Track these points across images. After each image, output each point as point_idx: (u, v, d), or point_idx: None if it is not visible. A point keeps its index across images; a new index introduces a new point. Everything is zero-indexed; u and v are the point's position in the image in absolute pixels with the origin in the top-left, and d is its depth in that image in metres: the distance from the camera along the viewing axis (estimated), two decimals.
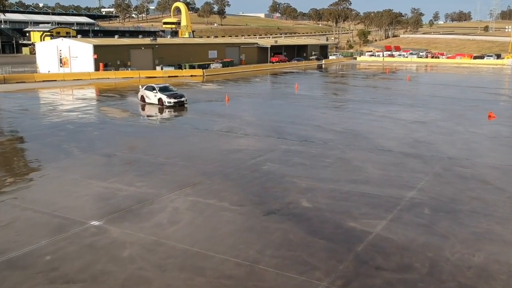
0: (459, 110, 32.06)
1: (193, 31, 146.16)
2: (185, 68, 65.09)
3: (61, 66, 63.94)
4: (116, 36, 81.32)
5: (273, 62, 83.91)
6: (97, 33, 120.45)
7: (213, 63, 70.97)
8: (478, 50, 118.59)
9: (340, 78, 64.00)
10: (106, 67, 61.44)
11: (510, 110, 33.35)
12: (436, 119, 28.15)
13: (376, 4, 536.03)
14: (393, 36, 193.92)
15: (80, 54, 62.01)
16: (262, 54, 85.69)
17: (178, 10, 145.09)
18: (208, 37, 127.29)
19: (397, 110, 31.85)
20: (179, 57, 70.31)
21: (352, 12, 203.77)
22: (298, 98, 38.51)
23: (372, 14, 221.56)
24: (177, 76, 59.87)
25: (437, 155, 19.23)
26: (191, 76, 61.05)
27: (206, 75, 61.74)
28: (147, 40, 72.21)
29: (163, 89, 33.52)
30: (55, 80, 52.06)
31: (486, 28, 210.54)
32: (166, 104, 32.12)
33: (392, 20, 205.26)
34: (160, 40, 73.58)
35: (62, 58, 63.89)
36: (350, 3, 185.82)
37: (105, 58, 61.88)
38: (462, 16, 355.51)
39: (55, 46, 64.35)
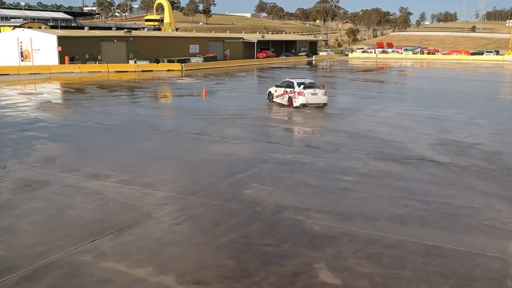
0: (491, 106, 25.86)
1: (176, 29, 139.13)
2: (164, 63, 58.37)
3: (22, 60, 56.73)
4: (86, 28, 74.06)
5: (260, 58, 77.44)
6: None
7: (194, 58, 64.25)
8: (474, 47, 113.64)
9: (334, 73, 57.69)
10: (73, 60, 54.46)
11: None
12: (469, 116, 21.90)
13: (364, 2, 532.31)
14: (382, 35, 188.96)
15: (43, 46, 54.82)
16: (248, 50, 79.14)
17: (162, 8, 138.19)
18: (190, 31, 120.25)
19: (413, 106, 25.55)
20: (157, 51, 63.46)
21: (340, 10, 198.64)
22: None
23: (360, 13, 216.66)
24: (151, 71, 53.08)
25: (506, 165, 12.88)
26: (168, 70, 54.29)
27: (185, 70, 55.04)
28: (121, 32, 65.17)
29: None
30: (7, 74, 44.85)
31: (473, 28, 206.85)
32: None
33: (381, 19, 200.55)
34: (135, 33, 66.59)
35: (23, 51, 56.66)
36: (338, 1, 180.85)
37: (72, 51, 54.84)
38: (448, 17, 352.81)
39: (15, 37, 57.09)
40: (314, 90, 23.46)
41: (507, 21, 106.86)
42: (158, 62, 58.57)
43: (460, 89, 34.98)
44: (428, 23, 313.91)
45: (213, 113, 22.62)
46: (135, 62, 56.13)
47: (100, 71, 50.32)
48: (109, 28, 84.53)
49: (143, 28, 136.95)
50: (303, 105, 23.09)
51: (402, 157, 14.08)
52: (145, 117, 21.34)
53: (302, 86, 23.45)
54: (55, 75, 45.97)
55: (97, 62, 55.12)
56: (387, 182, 11.57)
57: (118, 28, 75.19)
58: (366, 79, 45.07)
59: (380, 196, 10.53)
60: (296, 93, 23.14)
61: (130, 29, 69.81)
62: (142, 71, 52.30)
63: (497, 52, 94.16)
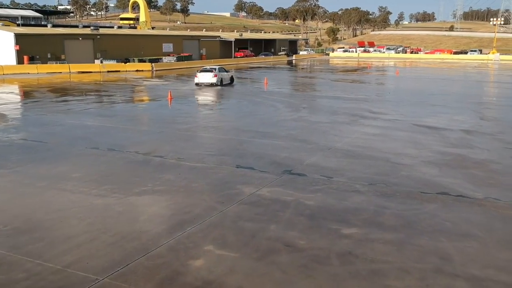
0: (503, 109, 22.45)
1: (153, 28, 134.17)
2: (134, 62, 54.05)
3: None
4: (50, 25, 69.08)
5: (238, 58, 73.54)
6: None
7: (166, 57, 59.99)
8: (456, 46, 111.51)
9: (316, 73, 54.09)
10: (32, 60, 49.85)
11: None
12: (478, 125, 18.36)
13: (344, 2, 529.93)
14: (362, 34, 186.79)
15: None
16: (226, 49, 75.19)
17: (138, 7, 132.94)
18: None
19: (411, 111, 21.96)
20: (127, 50, 59.21)
21: (320, 9, 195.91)
22: (269, 97, 28.24)
23: (340, 12, 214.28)
24: (118, 71, 48.74)
25: None
26: (137, 71, 50.03)
27: (156, 70, 50.87)
28: (87, 30, 60.59)
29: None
30: None
31: (451, 28, 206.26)
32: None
33: (361, 18, 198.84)
34: (102, 31, 61.98)
35: None
36: (318, 0, 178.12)
37: (32, 50, 50.28)
38: (426, 16, 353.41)
39: None
40: (206, 73, 33.08)
41: (491, 19, 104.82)
42: (127, 61, 54.26)
43: (458, 91, 31.60)
44: (407, 22, 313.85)
45: (175, 123, 18.63)
46: (101, 62, 51.68)
47: (61, 72, 45.92)
48: (75, 26, 79.43)
49: (120, 27, 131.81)
50: (196, 84, 33.05)
51: (417, 189, 10.36)
52: (88, 129, 17.19)
53: (199, 70, 33.84)
54: (8, 76, 41.41)
55: (58, 62, 50.55)
56: (407, 239, 7.79)
57: (85, 26, 70.38)
58: (352, 80, 41.51)
59: (404, 270, 6.74)
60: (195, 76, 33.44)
61: (98, 26, 65.13)
62: (108, 71, 48.01)
63: (481, 51, 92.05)
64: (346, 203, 9.52)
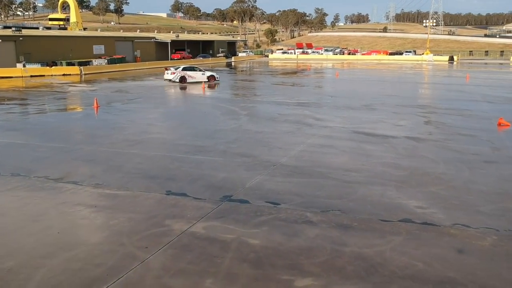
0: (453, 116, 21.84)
1: (84, 29, 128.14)
2: (61, 66, 50.29)
3: None
4: None
5: (174, 60, 70.93)
6: None
7: (96, 60, 56.49)
8: (391, 46, 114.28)
9: (256, 75, 52.77)
10: None
11: None
12: (427, 132, 17.48)
13: (281, 3, 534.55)
14: (299, 36, 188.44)
15: None
16: (162, 51, 72.36)
17: (69, 7, 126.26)
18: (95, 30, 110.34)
19: (359, 116, 20.89)
20: (55, 52, 55.12)
21: (257, 10, 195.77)
22: (206, 103, 26.42)
23: (277, 14, 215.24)
24: (43, 76, 45.05)
25: None
26: (64, 75, 46.50)
27: (85, 74, 47.59)
28: (8, 31, 55.90)
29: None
30: None
31: (385, 29, 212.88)
32: (217, 79, 38.94)
33: (298, 20, 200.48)
34: (26, 32, 57.45)
35: None
36: (255, 1, 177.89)
37: None
38: (361, 18, 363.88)
39: None
40: (169, 71, 38.04)
41: (424, 21, 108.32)
42: (54, 65, 50.45)
43: (400, 94, 31.12)
44: (342, 24, 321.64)
45: (97, 137, 16.38)
46: (24, 66, 47.64)
47: None
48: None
49: (48, 28, 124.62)
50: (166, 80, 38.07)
51: (377, 215, 8.98)
52: None
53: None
54: None
55: None
56: None
57: (6, 27, 65.19)
58: (292, 83, 40.40)
59: None
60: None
61: (20, 27, 60.43)
62: (31, 76, 44.22)
63: (415, 52, 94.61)
64: (298, 240, 7.92)
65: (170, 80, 37.33)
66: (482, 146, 15.23)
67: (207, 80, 37.76)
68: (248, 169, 12.20)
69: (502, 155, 14.03)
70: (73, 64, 51.74)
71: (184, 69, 38.21)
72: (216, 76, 38.89)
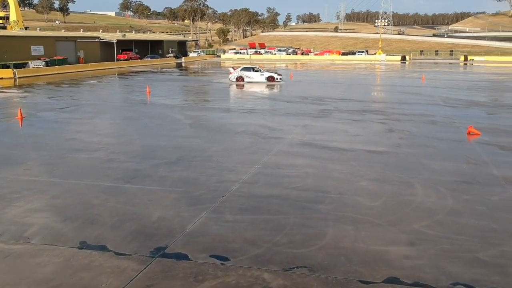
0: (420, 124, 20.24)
1: (26, 28, 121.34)
2: None
3: None
4: None
5: (121, 60, 67.32)
6: None
7: (33, 61, 52.24)
8: (343, 46, 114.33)
9: (208, 77, 50.29)
10: None
11: (487, 120, 22.07)
12: (394, 144, 15.71)
13: (233, 3, 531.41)
14: (252, 35, 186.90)
15: None
16: (107, 51, 68.39)
17: (9, 5, 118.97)
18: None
19: (317, 127, 18.94)
20: None
21: (209, 9, 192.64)
22: (149, 112, 23.81)
23: (229, 13, 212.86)
24: None
25: None
26: None
27: (20, 77, 43.70)
28: None
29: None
30: None
31: (336, 29, 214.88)
32: (278, 80, 38.52)
33: (250, 19, 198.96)
34: None
35: None
36: (206, 0, 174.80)
37: None
38: (312, 18, 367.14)
39: None
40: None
41: (376, 20, 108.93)
42: None
43: (357, 97, 29.53)
44: (294, 23, 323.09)
45: (9, 159, 13.57)
46: None
47: None
48: None
49: None
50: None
51: (354, 273, 6.91)
52: None
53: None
54: None
55: None
56: None
57: None
58: (245, 86, 38.19)
59: None
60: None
61: None
62: None
63: (367, 52, 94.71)
64: None
65: (230, 79, 38.75)
66: (458, 161, 13.55)
67: (266, 80, 38.07)
68: (190, 203, 9.88)
69: (482, 173, 12.36)
70: (8, 67, 47.51)
71: (242, 69, 39.19)
72: (276, 76, 38.66)
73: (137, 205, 9.77)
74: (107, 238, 8.15)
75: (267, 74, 38.76)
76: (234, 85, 37.29)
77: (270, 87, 36.32)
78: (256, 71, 39.07)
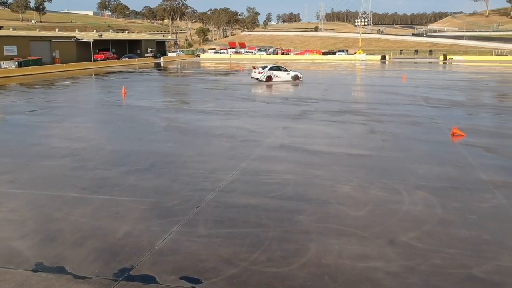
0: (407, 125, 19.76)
1: (0, 27, 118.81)
2: None
3: None
4: None
5: (97, 60, 65.90)
6: None
7: (5, 62, 50.64)
8: (323, 46, 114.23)
9: (187, 78, 49.38)
10: None
11: (470, 120, 21.68)
12: (377, 147, 15.16)
13: (212, 2, 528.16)
14: (232, 35, 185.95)
15: None
16: (83, 51, 66.99)
17: None
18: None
19: (299, 129, 18.31)
20: None
21: (188, 9, 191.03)
22: (123, 114, 22.89)
23: (209, 12, 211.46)
24: None
25: None
26: None
27: None
28: None
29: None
30: None
31: (316, 28, 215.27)
32: (301, 78, 39.71)
33: (230, 19, 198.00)
34: None
35: None
36: None
37: None
38: (292, 17, 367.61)
39: None
40: (256, 70, 39.21)
41: (356, 20, 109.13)
42: None
43: (339, 98, 29.03)
44: (274, 23, 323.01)
45: None
46: None
47: None
48: None
49: None
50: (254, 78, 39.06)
51: None
52: None
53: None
54: None
55: None
56: None
57: None
58: (225, 87, 37.42)
59: None
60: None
61: None
62: None
63: (347, 51, 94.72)
64: None
65: (257, 79, 38.43)
66: (444, 165, 13.02)
67: (291, 79, 39.07)
68: (161, 216, 9.11)
69: (470, 178, 11.85)
70: None
71: (270, 68, 39.27)
72: (300, 76, 39.88)
73: (102, 219, 8.97)
74: (66, 258, 7.35)
75: (292, 73, 39.60)
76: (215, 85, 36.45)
77: (250, 88, 35.62)
78: (283, 70, 39.70)
